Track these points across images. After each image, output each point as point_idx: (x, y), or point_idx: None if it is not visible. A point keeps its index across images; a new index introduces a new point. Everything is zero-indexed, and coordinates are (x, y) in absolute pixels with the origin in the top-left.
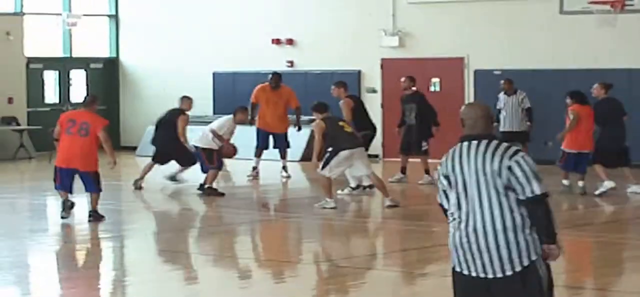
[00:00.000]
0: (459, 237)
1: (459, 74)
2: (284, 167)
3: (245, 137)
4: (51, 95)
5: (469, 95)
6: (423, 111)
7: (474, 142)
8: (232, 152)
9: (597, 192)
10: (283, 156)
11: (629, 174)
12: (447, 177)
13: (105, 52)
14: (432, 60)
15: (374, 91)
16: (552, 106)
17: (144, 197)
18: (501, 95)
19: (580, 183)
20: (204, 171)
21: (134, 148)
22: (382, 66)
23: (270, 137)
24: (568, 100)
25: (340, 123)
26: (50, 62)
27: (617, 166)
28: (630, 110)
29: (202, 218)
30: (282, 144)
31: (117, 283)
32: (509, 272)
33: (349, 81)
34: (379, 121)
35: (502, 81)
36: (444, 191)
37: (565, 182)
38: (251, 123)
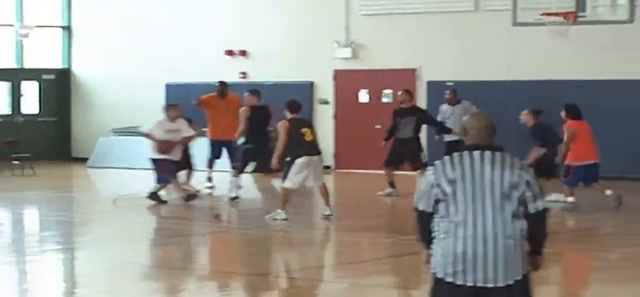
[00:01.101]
0: (463, 245)
1: (411, 85)
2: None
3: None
4: (3, 106)
5: (421, 106)
6: (419, 126)
7: (487, 153)
8: (165, 147)
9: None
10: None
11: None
12: (452, 183)
13: (57, 63)
14: (384, 71)
15: (327, 102)
16: (505, 117)
17: (96, 209)
18: (444, 106)
19: (608, 192)
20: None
21: (86, 159)
22: (335, 77)
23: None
24: (563, 114)
25: (303, 130)
26: (2, 73)
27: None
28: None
29: (154, 229)
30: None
31: (68, 295)
32: (510, 281)
33: (302, 92)
34: (331, 132)
35: (446, 92)
36: (439, 198)
37: (570, 199)
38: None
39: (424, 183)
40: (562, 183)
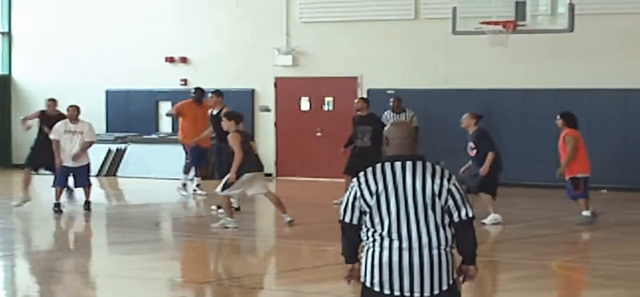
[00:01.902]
0: (389, 255)
1: (352, 93)
2: (199, 185)
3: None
4: None
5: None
6: (380, 133)
7: (409, 163)
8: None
9: (486, 221)
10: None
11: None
12: (376, 195)
13: None
14: (325, 79)
15: (268, 110)
16: (445, 126)
17: (37, 216)
18: (388, 112)
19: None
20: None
21: None
22: (275, 85)
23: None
24: (559, 122)
25: (251, 142)
26: None
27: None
28: (524, 132)
29: (94, 237)
30: (201, 160)
31: None
32: (436, 291)
33: (243, 100)
34: (272, 140)
35: (391, 99)
36: (364, 210)
37: (585, 213)
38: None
39: (347, 195)
40: (571, 198)
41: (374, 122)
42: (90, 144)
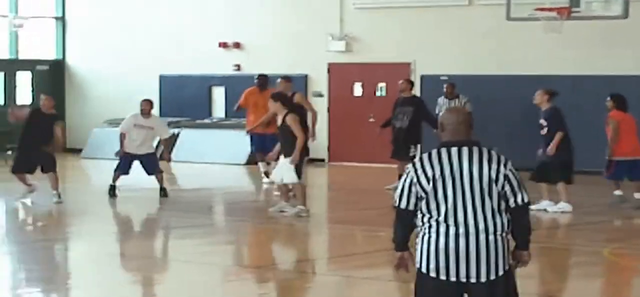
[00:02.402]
0: (445, 241)
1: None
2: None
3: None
4: None
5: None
6: (418, 117)
7: (465, 148)
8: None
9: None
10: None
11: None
12: (432, 181)
13: (51, 54)
14: (378, 65)
15: (321, 95)
16: (498, 112)
17: (89, 200)
18: (441, 99)
19: (638, 195)
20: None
21: (80, 150)
22: (329, 70)
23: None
24: (608, 103)
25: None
26: None
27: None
28: (575, 118)
29: (147, 221)
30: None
31: (60, 286)
32: (492, 276)
33: (296, 85)
34: (325, 125)
35: (444, 85)
36: (420, 196)
37: (617, 192)
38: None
39: (403, 181)
40: (605, 177)
41: (416, 103)
42: (167, 140)
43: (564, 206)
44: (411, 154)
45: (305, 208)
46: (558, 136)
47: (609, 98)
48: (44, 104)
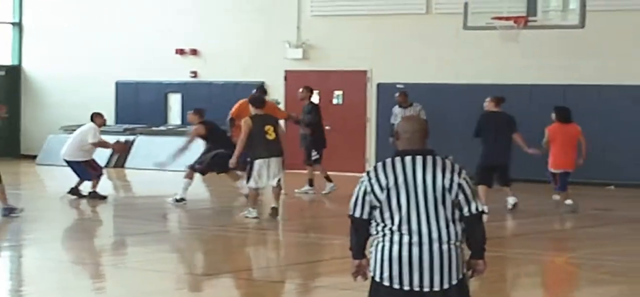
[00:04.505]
0: (399, 250)
1: (361, 87)
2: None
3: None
4: None
5: (372, 108)
6: (316, 122)
7: (419, 157)
8: (123, 147)
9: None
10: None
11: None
12: (386, 190)
13: (7, 60)
14: (335, 72)
15: (278, 103)
16: (454, 121)
17: (43, 206)
18: (396, 108)
19: (568, 201)
20: (87, 178)
21: (35, 157)
22: (286, 78)
23: None
24: (553, 116)
25: (267, 127)
26: None
27: (487, 184)
28: (532, 127)
29: (99, 227)
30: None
31: (13, 293)
32: (446, 285)
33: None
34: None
35: (396, 94)
36: (374, 205)
37: (567, 202)
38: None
39: (357, 190)
40: (555, 189)
41: (311, 110)
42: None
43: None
44: (314, 158)
45: (252, 210)
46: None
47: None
48: None
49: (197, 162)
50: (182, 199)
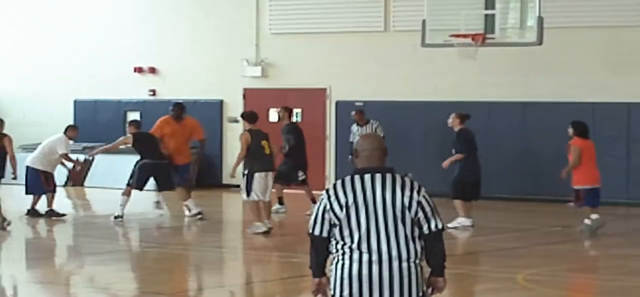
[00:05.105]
0: (358, 268)
1: (321, 105)
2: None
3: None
4: None
5: (331, 126)
6: (299, 142)
7: (378, 175)
8: (83, 168)
9: (450, 225)
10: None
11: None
12: (345, 208)
13: None
14: (294, 90)
15: (236, 121)
16: (412, 138)
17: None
18: (354, 126)
19: (594, 216)
20: (37, 192)
21: None
22: (244, 96)
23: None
24: (570, 131)
25: (263, 142)
26: None
27: (472, 199)
28: (490, 143)
29: (57, 247)
30: (184, 176)
31: None
32: None
33: (212, 111)
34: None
35: (353, 113)
36: (333, 223)
37: (587, 221)
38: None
39: (317, 208)
40: (576, 207)
41: (292, 130)
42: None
43: (462, 220)
44: (300, 179)
45: (259, 225)
46: (457, 157)
47: (570, 127)
48: None
49: (130, 176)
50: (119, 217)
